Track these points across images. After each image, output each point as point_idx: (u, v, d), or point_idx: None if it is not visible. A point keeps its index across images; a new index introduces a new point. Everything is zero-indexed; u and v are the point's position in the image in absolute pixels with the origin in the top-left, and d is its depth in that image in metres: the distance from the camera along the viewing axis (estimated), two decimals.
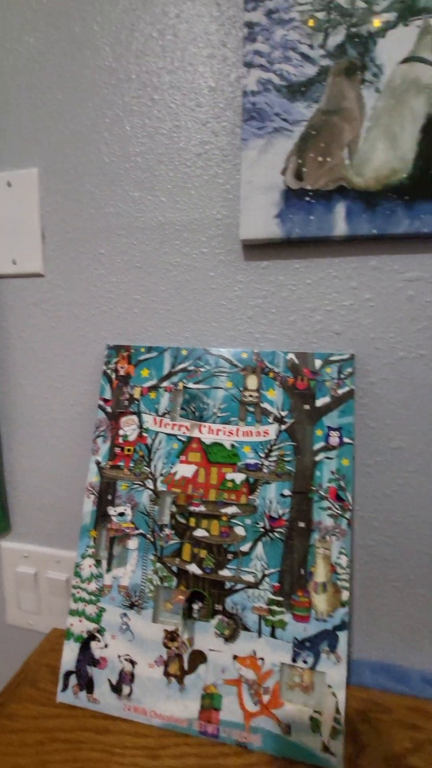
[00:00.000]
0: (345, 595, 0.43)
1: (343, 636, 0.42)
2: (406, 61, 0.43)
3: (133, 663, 0.44)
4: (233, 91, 0.48)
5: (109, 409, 0.51)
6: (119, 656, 0.45)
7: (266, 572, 0.44)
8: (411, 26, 0.42)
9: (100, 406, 0.51)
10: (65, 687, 0.45)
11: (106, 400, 0.51)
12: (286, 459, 0.46)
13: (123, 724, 0.43)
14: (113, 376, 0.52)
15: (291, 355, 0.48)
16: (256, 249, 0.49)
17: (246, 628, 0.44)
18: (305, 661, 0.42)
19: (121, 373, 0.52)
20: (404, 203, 0.44)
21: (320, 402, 0.47)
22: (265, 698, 0.42)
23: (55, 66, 0.52)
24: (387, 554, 0.51)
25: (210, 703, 0.43)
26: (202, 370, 0.50)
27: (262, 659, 0.43)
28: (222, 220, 0.50)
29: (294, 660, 0.42)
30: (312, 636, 0.42)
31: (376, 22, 0.43)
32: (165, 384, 0.50)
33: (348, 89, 0.44)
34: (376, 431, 0.50)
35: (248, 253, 0.50)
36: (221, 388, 0.49)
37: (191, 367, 0.50)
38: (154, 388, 0.50)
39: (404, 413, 0.49)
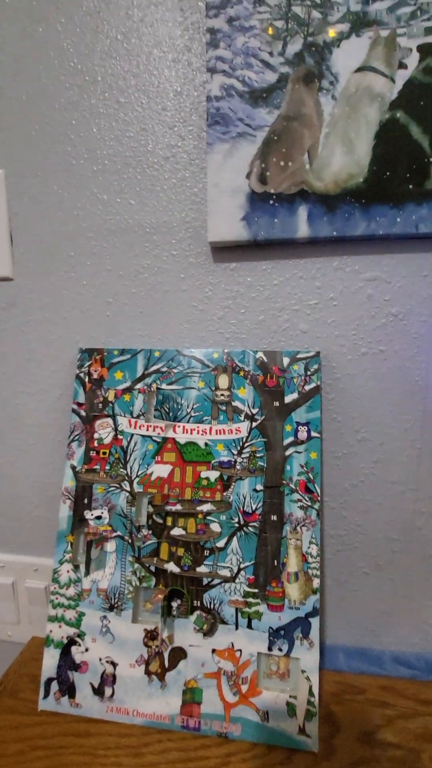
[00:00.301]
0: (316, 583, 0.44)
1: (315, 622, 0.44)
2: (359, 70, 0.45)
3: (114, 665, 0.45)
4: (198, 95, 0.49)
5: (83, 413, 0.51)
6: (100, 659, 0.45)
7: (242, 566, 0.46)
8: (363, 37, 0.44)
9: (74, 410, 0.51)
10: (47, 694, 0.45)
11: (79, 404, 0.51)
12: (257, 455, 0.48)
13: (105, 726, 0.43)
14: (86, 379, 0.52)
15: (260, 354, 0.50)
16: (224, 251, 0.51)
17: (224, 622, 0.45)
18: (280, 649, 0.43)
19: (95, 376, 0.52)
20: (361, 207, 0.46)
21: (289, 398, 0.48)
22: (244, 688, 0.43)
23: (19, 66, 0.51)
24: (356, 542, 0.53)
25: (191, 697, 0.43)
26: (175, 371, 0.51)
27: (239, 651, 0.44)
28: (191, 222, 0.51)
29: (270, 649, 0.44)
30: (286, 624, 0.44)
31: (332, 33, 0.45)
32: (139, 386, 0.51)
33: (307, 96, 0.46)
34: (343, 424, 0.52)
35: (217, 255, 0.51)
36: (194, 388, 0.50)
37: (164, 369, 0.51)
38: (128, 390, 0.51)
39: (368, 406, 0.51)
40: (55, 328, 0.55)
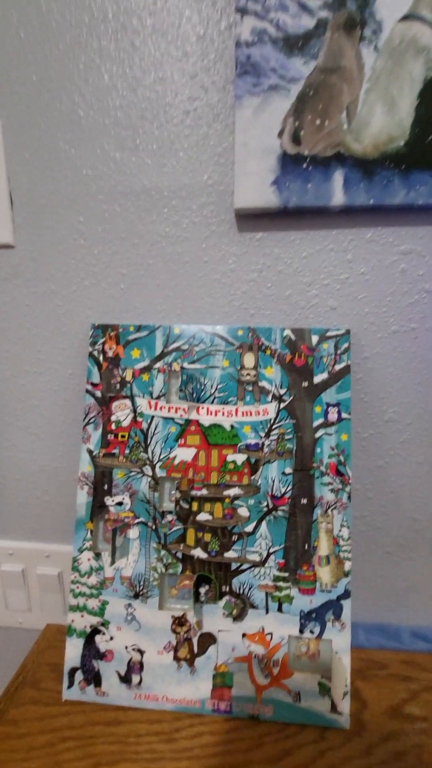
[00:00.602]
0: (348, 566, 0.44)
1: (347, 604, 0.43)
2: (405, 18, 0.41)
3: (141, 652, 0.43)
4: (224, 41, 0.43)
5: (98, 394, 0.48)
6: (126, 647, 0.44)
7: (271, 550, 0.45)
8: None
9: (88, 391, 0.48)
10: (71, 684, 0.44)
11: (94, 384, 0.48)
12: (286, 437, 0.46)
13: (134, 713, 0.42)
14: (101, 358, 0.48)
15: (288, 331, 0.47)
16: (250, 219, 0.47)
17: (253, 606, 0.44)
18: (312, 632, 0.43)
19: (110, 354, 0.48)
20: (401, 173, 0.43)
21: (318, 378, 0.46)
22: (275, 670, 0.43)
23: None
24: (380, 523, 0.53)
25: (222, 681, 0.43)
26: (196, 349, 0.47)
27: (270, 634, 0.43)
28: (214, 186, 0.47)
29: (301, 631, 0.43)
30: (317, 607, 0.43)
31: None
32: (158, 365, 0.47)
33: (347, 46, 0.42)
34: (370, 405, 0.50)
35: (242, 224, 0.47)
36: (218, 367, 0.47)
37: (185, 346, 0.48)
38: (147, 369, 0.47)
39: (396, 386, 0.50)
40: (64, 301, 0.51)
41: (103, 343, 0.48)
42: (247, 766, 0.38)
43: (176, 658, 0.43)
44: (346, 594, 0.43)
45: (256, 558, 0.44)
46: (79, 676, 0.44)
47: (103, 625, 0.44)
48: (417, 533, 0.53)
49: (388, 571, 0.54)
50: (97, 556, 0.45)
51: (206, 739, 0.41)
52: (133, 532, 0.45)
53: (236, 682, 0.43)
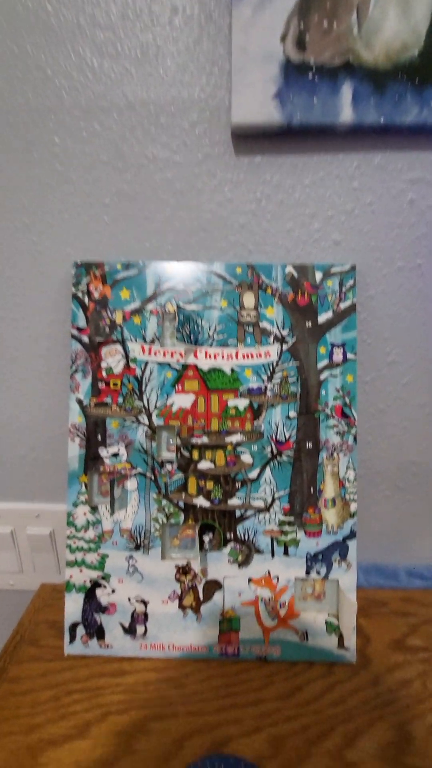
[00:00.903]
0: (353, 507, 0.43)
1: (352, 544, 0.43)
2: None
3: (145, 603, 0.42)
4: None
5: (85, 339, 0.44)
6: (129, 599, 0.42)
7: (276, 495, 0.43)
8: None
9: (74, 336, 0.44)
10: (72, 639, 0.42)
11: (80, 329, 0.44)
12: (289, 380, 0.44)
13: (141, 663, 0.42)
14: (86, 299, 0.44)
15: (290, 268, 0.44)
16: (248, 140, 0.42)
17: (259, 551, 0.43)
18: (318, 572, 0.43)
19: (96, 295, 0.44)
20: (414, 88, 0.40)
21: (322, 318, 0.44)
22: (282, 612, 0.43)
23: None
24: (379, 467, 0.52)
25: (229, 626, 0.42)
26: (192, 288, 0.44)
27: (276, 577, 0.43)
28: (207, 100, 0.42)
29: (308, 573, 0.43)
30: (324, 549, 0.43)
31: None
32: (150, 306, 0.44)
33: None
34: (373, 347, 0.48)
35: (239, 146, 0.43)
36: (215, 308, 0.44)
37: (179, 286, 0.44)
38: (138, 311, 0.44)
39: (400, 326, 0.48)
40: (41, 237, 0.45)
41: (88, 284, 0.44)
42: (258, 704, 0.38)
43: (182, 607, 0.42)
44: (352, 535, 0.43)
45: (260, 504, 0.43)
46: (80, 630, 0.42)
47: (103, 578, 0.42)
48: (415, 476, 0.53)
49: (385, 513, 0.54)
50: (94, 509, 0.43)
51: (216, 682, 0.40)
52: (131, 484, 0.43)
53: (243, 626, 0.42)
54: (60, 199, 0.44)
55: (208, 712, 0.38)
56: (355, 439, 0.43)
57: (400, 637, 0.46)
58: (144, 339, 0.44)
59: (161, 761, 0.34)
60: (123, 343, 0.44)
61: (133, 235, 0.45)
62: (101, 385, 0.44)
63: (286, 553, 0.43)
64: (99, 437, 0.43)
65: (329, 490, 0.43)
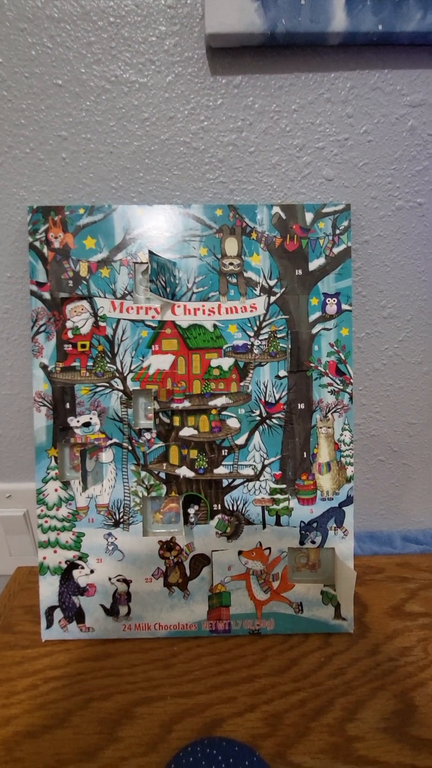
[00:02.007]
0: (350, 471, 0.40)
1: (349, 510, 0.40)
2: None
3: (127, 582, 0.39)
4: None
5: (46, 296, 0.38)
6: (110, 578, 0.39)
7: (266, 462, 0.40)
8: None
9: (32, 293, 0.38)
10: (50, 624, 0.39)
11: (39, 284, 0.38)
12: (278, 336, 0.39)
13: (125, 645, 0.39)
14: (44, 249, 0.38)
15: (276, 209, 0.39)
16: (227, 56, 0.36)
17: (249, 522, 0.40)
18: (313, 542, 0.40)
19: (56, 245, 0.38)
20: None
21: (314, 265, 0.39)
22: (275, 584, 0.40)
23: None
24: (374, 430, 0.49)
25: (219, 601, 0.40)
26: (167, 234, 0.38)
27: (268, 549, 0.40)
28: (177, 7, 0.35)
29: (302, 542, 0.40)
30: (319, 516, 0.40)
31: None
32: (119, 256, 0.38)
33: None
34: (369, 299, 0.44)
35: (216, 63, 0.37)
36: (194, 256, 0.39)
37: (152, 232, 0.38)
38: (106, 262, 0.38)
39: (398, 275, 0.44)
40: None
41: (47, 231, 0.38)
42: (253, 680, 0.36)
43: (167, 584, 0.39)
44: (349, 500, 0.40)
45: (249, 472, 0.40)
46: (58, 614, 0.39)
47: (80, 558, 0.39)
48: (412, 438, 0.50)
49: (380, 478, 0.51)
50: (66, 485, 0.39)
51: (206, 660, 0.38)
52: (107, 455, 0.39)
53: (234, 601, 0.40)
54: (8, 132, 0.38)
55: (198, 693, 0.35)
56: (351, 398, 0.40)
57: (398, 603, 0.44)
58: (114, 294, 0.39)
59: (148, 748, 0.31)
60: (90, 298, 0.39)
61: (97, 174, 0.39)
62: (67, 348, 0.39)
63: (278, 522, 0.40)
64: (67, 406, 0.39)
65: (324, 453, 0.40)
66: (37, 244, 0.38)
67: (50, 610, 0.39)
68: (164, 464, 0.39)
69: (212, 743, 0.30)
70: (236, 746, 0.30)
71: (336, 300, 0.40)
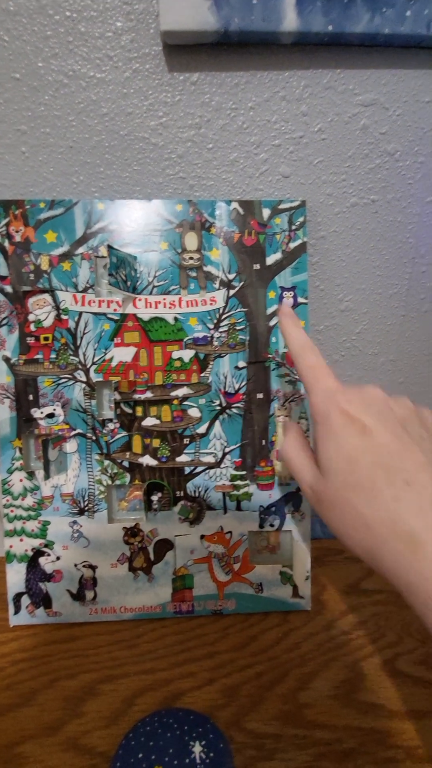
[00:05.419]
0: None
1: None
2: None
3: (93, 568, 0.40)
4: None
5: (8, 289, 0.39)
6: (76, 565, 0.40)
7: (227, 450, 0.41)
8: None
9: None
10: (17, 610, 0.40)
11: (1, 278, 0.39)
12: (238, 328, 0.41)
13: (92, 627, 0.40)
14: (5, 243, 0.38)
15: (235, 205, 0.40)
16: (183, 53, 0.37)
17: (211, 508, 0.41)
18: (272, 525, 0.42)
19: (17, 238, 0.39)
20: None
21: (271, 259, 0.41)
22: (236, 566, 0.42)
23: None
24: None
25: (182, 584, 0.41)
26: (128, 229, 0.39)
27: (229, 532, 0.42)
28: (132, 4, 0.36)
29: (261, 526, 0.42)
30: (277, 501, 0.42)
31: None
32: (81, 250, 0.39)
33: None
34: (326, 293, 0.46)
35: (173, 60, 0.37)
36: (155, 251, 0.40)
37: (112, 226, 0.39)
38: (68, 256, 0.39)
39: (354, 270, 0.45)
40: None
41: (7, 224, 0.38)
42: (212, 656, 0.38)
43: (132, 569, 0.41)
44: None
45: (211, 460, 0.41)
46: (25, 600, 0.40)
47: (46, 546, 0.40)
48: None
49: None
50: (30, 475, 0.40)
51: (169, 639, 0.40)
52: (71, 446, 0.40)
53: (197, 583, 0.41)
54: None
55: (160, 669, 0.37)
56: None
57: (354, 581, 0.46)
58: (76, 287, 0.39)
59: (110, 721, 0.33)
60: (52, 292, 0.39)
61: (58, 169, 0.40)
62: (30, 341, 0.39)
63: (238, 507, 0.42)
64: (31, 397, 0.39)
65: (281, 441, 0.41)
66: None
67: (17, 597, 0.40)
68: (128, 453, 0.41)
69: (169, 713, 0.32)
70: (192, 715, 0.31)
71: (293, 293, 0.41)
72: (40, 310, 0.39)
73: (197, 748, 0.29)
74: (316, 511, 0.27)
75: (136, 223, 0.39)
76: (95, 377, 0.40)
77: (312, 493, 0.27)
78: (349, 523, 0.24)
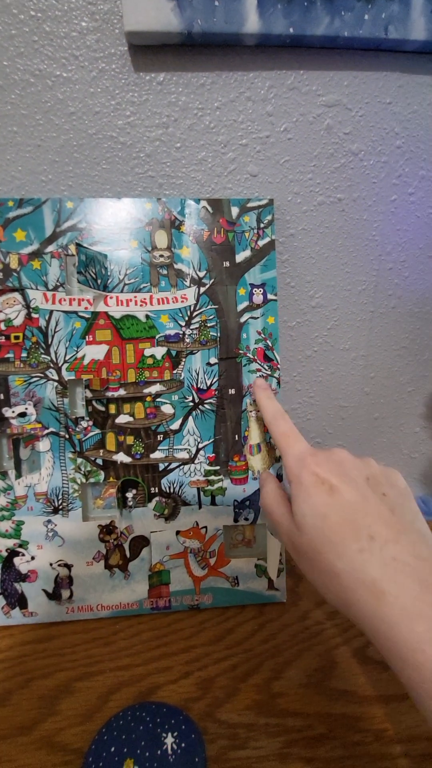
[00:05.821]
0: (278, 451, 0.43)
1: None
2: None
3: (68, 566, 0.40)
4: None
5: None
6: (51, 564, 0.40)
7: (200, 446, 0.42)
8: None
9: None
10: None
11: None
12: (209, 325, 0.41)
13: (68, 626, 0.40)
14: None
15: (204, 203, 0.40)
16: (148, 53, 0.38)
17: (186, 503, 0.42)
18: (246, 519, 0.42)
19: None
20: None
21: (240, 257, 0.41)
22: (212, 561, 0.42)
23: None
24: (309, 414, 0.52)
25: (158, 580, 0.41)
26: (96, 227, 0.39)
27: (204, 527, 0.42)
28: (97, 4, 0.36)
29: (236, 520, 0.42)
30: (251, 495, 0.42)
31: None
32: (50, 248, 0.39)
33: None
34: (297, 290, 0.47)
35: (138, 60, 0.38)
36: (125, 249, 0.40)
37: (82, 224, 0.39)
38: (37, 254, 0.39)
39: (323, 267, 0.46)
40: None
41: None
42: (188, 650, 0.38)
43: (108, 567, 0.41)
44: (279, 478, 0.43)
45: (184, 456, 0.42)
46: (0, 601, 0.40)
47: (21, 546, 0.40)
48: (344, 420, 0.53)
49: None
50: (3, 475, 0.39)
51: (146, 635, 0.40)
52: (44, 444, 0.40)
53: (173, 579, 0.42)
54: None
55: (136, 665, 0.37)
56: (279, 382, 0.42)
57: None
58: (46, 286, 0.39)
59: (85, 718, 0.33)
60: (22, 290, 0.39)
61: (26, 167, 0.40)
62: (0, 339, 0.39)
63: (213, 502, 0.42)
64: (1, 396, 0.39)
65: (254, 435, 0.42)
66: None
67: None
68: (101, 451, 0.41)
69: (143, 707, 0.32)
70: (165, 708, 0.32)
71: (262, 290, 0.42)
72: (10, 308, 0.39)
73: (169, 740, 0.29)
74: (295, 560, 0.28)
75: (105, 221, 0.40)
76: (67, 375, 0.40)
77: (290, 544, 0.28)
78: (323, 573, 0.26)
